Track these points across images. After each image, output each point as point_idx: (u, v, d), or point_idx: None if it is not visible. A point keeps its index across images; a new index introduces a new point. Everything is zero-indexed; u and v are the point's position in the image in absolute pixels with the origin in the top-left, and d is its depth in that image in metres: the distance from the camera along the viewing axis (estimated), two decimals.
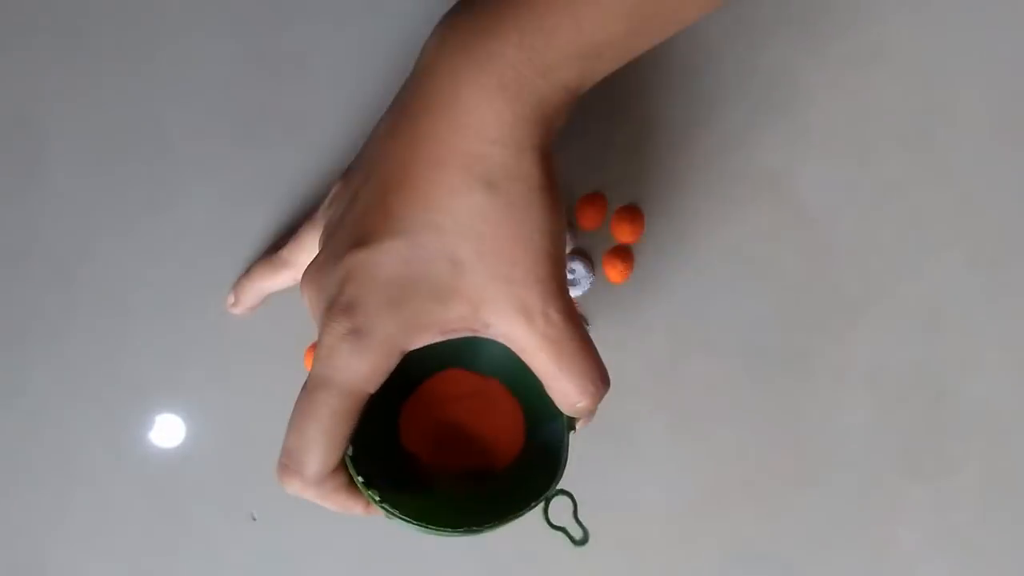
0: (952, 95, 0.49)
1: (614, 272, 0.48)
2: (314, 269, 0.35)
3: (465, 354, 0.38)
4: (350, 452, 0.35)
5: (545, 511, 0.36)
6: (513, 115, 0.32)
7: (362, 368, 0.33)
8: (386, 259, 0.32)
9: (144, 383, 0.48)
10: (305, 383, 0.34)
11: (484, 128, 0.32)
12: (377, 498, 0.35)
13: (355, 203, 0.34)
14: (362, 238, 0.33)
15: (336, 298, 0.33)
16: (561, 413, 0.36)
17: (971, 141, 0.49)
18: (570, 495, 0.36)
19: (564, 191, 0.46)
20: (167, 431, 0.48)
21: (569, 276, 0.48)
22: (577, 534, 0.36)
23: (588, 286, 0.49)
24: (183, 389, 0.48)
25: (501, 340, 0.34)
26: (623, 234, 0.48)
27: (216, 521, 0.48)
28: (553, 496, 0.36)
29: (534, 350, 0.33)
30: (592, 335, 0.46)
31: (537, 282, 0.33)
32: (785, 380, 0.48)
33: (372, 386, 0.34)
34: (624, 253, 0.48)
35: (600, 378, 0.35)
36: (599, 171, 0.49)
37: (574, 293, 0.49)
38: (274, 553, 0.48)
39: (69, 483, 0.48)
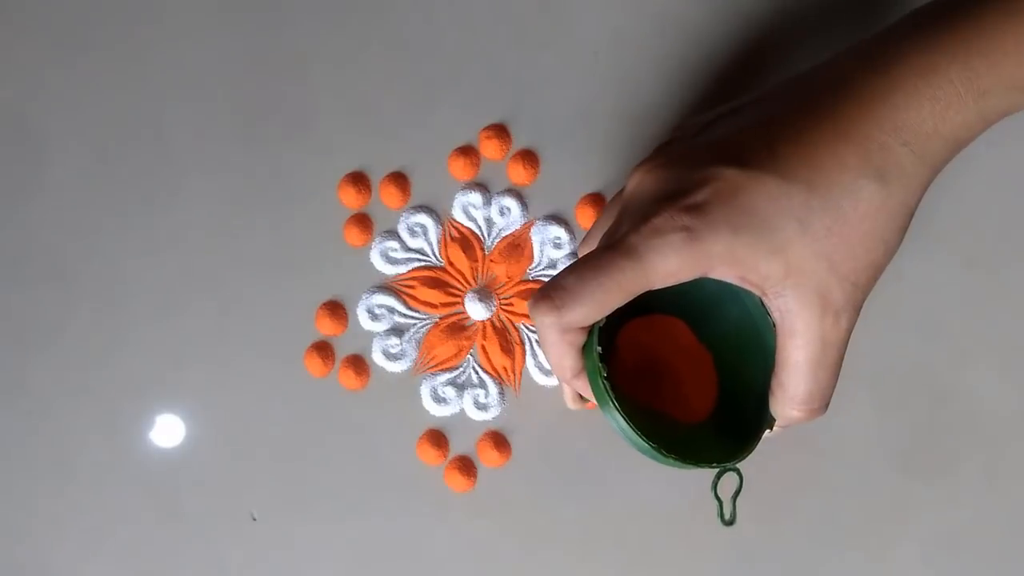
0: None
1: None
2: (665, 159, 0.35)
3: (700, 315, 0.39)
4: (602, 323, 0.36)
5: (715, 481, 0.39)
6: (934, 128, 0.33)
7: (671, 266, 0.34)
8: (754, 188, 0.33)
9: (144, 383, 0.48)
10: (614, 243, 0.34)
11: (902, 128, 0.33)
12: (604, 374, 0.36)
13: (736, 130, 0.35)
14: (740, 159, 0.34)
15: (688, 193, 0.34)
16: (766, 406, 0.38)
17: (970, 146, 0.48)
18: (741, 476, 0.39)
19: (564, 191, 0.48)
20: (167, 431, 0.48)
21: None
22: (728, 514, 0.39)
23: None
24: (183, 389, 0.48)
25: (776, 314, 0.35)
26: None
27: (216, 521, 0.48)
28: (731, 469, 0.38)
29: (804, 342, 0.35)
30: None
31: (854, 285, 0.34)
32: None
33: (660, 284, 0.34)
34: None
35: (827, 402, 0.37)
36: (599, 171, 0.49)
37: None
38: (274, 553, 0.48)
39: (69, 483, 0.48)
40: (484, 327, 0.48)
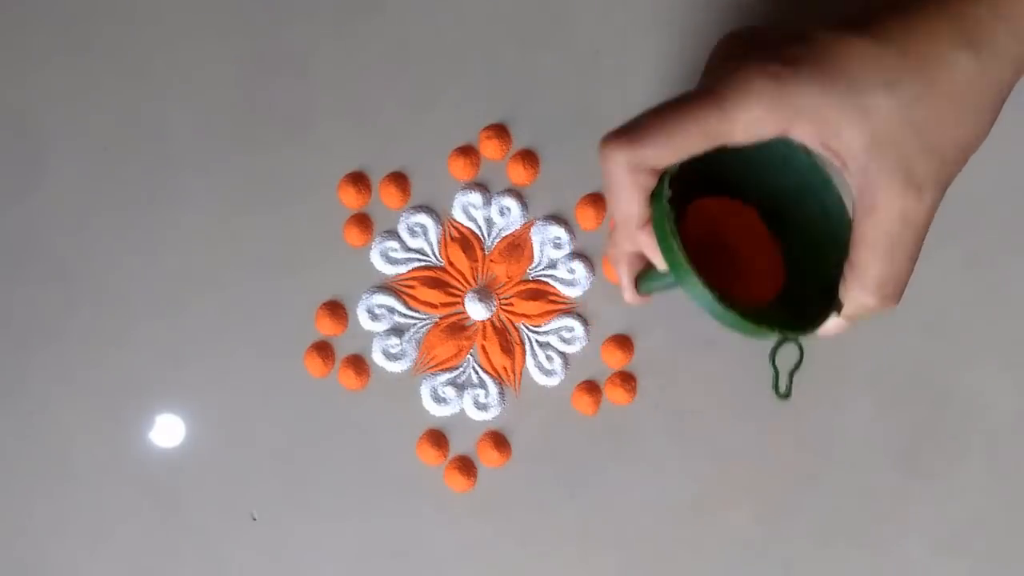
0: None
1: (614, 272, 0.47)
2: (754, 29, 0.34)
3: (777, 208, 0.38)
4: (675, 171, 0.34)
5: (775, 348, 0.37)
6: (982, 69, 0.33)
7: (755, 113, 0.32)
8: (846, 48, 0.32)
9: (144, 383, 0.48)
10: (696, 90, 0.33)
11: (998, 2, 0.32)
12: (673, 217, 0.34)
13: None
14: (834, 25, 0.33)
15: (780, 48, 0.33)
16: (835, 295, 0.35)
17: None
18: (802, 350, 0.37)
19: (564, 191, 0.48)
20: (167, 431, 0.48)
21: (569, 276, 0.48)
22: (784, 387, 0.36)
23: (588, 286, 0.48)
24: (183, 389, 0.48)
25: (855, 189, 0.33)
26: None
27: (216, 521, 0.48)
28: (791, 340, 0.36)
29: (883, 217, 0.33)
30: (592, 335, 0.48)
31: (940, 160, 0.33)
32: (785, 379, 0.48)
33: (742, 135, 0.33)
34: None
35: (901, 290, 0.34)
36: (599, 171, 0.48)
37: (573, 293, 0.48)
38: (274, 553, 0.48)
39: (69, 483, 0.48)
40: (484, 327, 0.48)
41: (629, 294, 0.40)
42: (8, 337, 0.48)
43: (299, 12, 0.48)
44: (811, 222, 0.38)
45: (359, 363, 0.48)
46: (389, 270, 0.48)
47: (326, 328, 0.48)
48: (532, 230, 0.48)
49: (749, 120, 0.33)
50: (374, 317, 0.48)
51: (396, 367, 0.48)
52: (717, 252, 0.38)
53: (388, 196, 0.48)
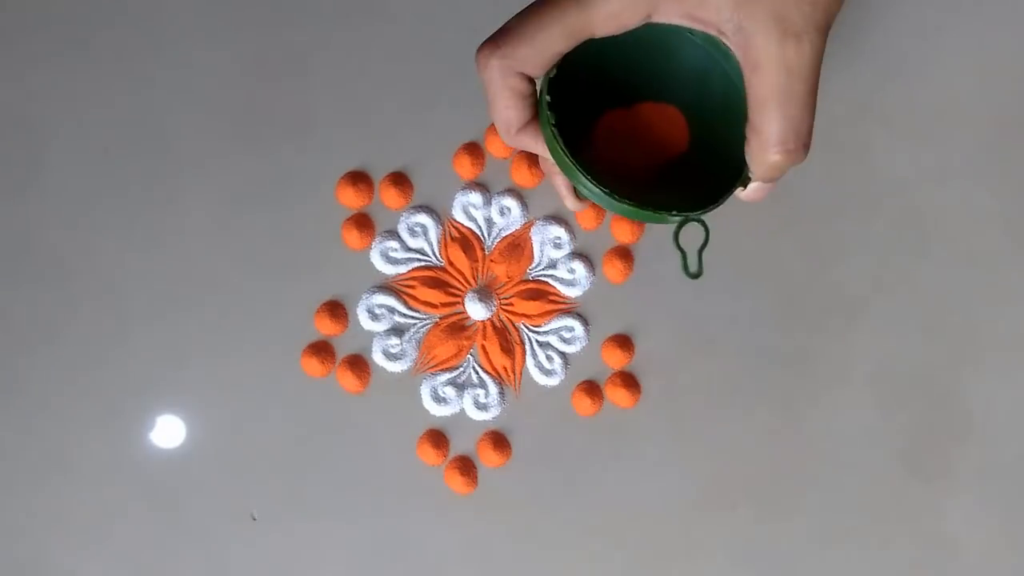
0: (952, 94, 0.49)
1: (614, 272, 0.48)
2: None
3: (687, 96, 0.37)
4: (552, 73, 0.34)
5: (677, 230, 0.36)
6: None
7: (613, 6, 0.33)
8: None
9: (144, 384, 0.48)
10: None
11: None
12: (553, 121, 0.34)
13: None
14: None
15: None
16: (743, 162, 0.35)
17: (971, 139, 0.49)
18: (707, 229, 0.36)
19: None
20: (167, 431, 0.48)
21: (569, 276, 0.48)
22: (693, 266, 0.36)
23: (588, 286, 0.48)
24: (184, 390, 0.48)
25: (737, 51, 0.33)
26: (623, 234, 0.48)
27: (216, 521, 0.48)
28: (693, 219, 0.35)
29: (767, 72, 0.33)
30: (592, 335, 0.48)
31: (811, 5, 0.32)
32: (785, 380, 0.48)
33: (604, 28, 0.33)
34: (624, 253, 0.48)
35: (806, 142, 0.34)
36: None
37: (573, 293, 0.48)
38: (274, 553, 0.48)
39: (69, 483, 0.48)
40: (484, 327, 0.48)
41: (569, 201, 0.41)
42: (8, 337, 0.48)
43: (300, 12, 0.48)
44: (722, 98, 0.36)
45: (359, 363, 0.48)
46: (389, 270, 0.48)
47: (326, 328, 0.48)
48: (532, 230, 0.48)
49: (609, 13, 0.33)
50: (374, 317, 0.48)
51: (396, 367, 0.48)
52: (628, 143, 0.38)
53: (388, 196, 0.48)
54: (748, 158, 0.35)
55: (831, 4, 0.33)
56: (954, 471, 0.48)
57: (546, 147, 0.35)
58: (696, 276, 0.37)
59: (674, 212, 0.35)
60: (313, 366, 0.48)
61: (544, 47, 0.33)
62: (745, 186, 0.36)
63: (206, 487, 0.48)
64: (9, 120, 0.48)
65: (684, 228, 0.36)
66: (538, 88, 0.35)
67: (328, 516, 0.48)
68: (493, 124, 0.36)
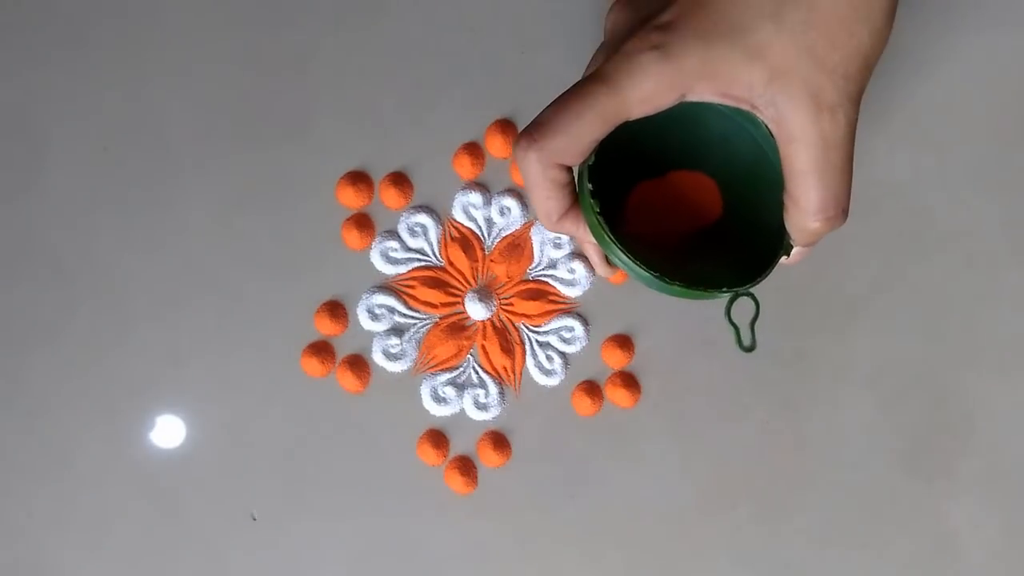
0: (953, 95, 0.49)
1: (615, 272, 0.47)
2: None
3: (714, 160, 0.37)
4: (591, 160, 0.35)
5: (728, 306, 0.36)
6: None
7: (646, 89, 0.33)
8: None
9: (144, 383, 0.48)
10: (589, 75, 0.33)
11: None
12: (597, 209, 0.35)
13: None
14: None
15: (656, 15, 0.33)
16: (784, 231, 0.36)
17: (970, 140, 0.48)
18: (757, 302, 0.37)
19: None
20: (167, 431, 0.48)
21: (569, 276, 0.48)
22: (747, 340, 0.37)
23: (588, 286, 0.48)
24: (183, 389, 0.48)
25: (771, 125, 0.33)
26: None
27: (216, 521, 0.47)
28: (743, 294, 0.35)
29: (804, 145, 0.33)
30: (592, 335, 0.48)
31: (844, 77, 0.33)
32: (785, 380, 0.48)
33: (639, 110, 0.33)
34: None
35: (844, 208, 0.34)
36: None
37: (573, 293, 0.48)
38: (274, 553, 0.48)
39: (69, 483, 0.48)
40: (484, 327, 0.48)
41: (601, 268, 0.41)
42: (8, 337, 0.48)
43: (299, 10, 0.48)
44: (748, 161, 0.37)
45: (359, 363, 0.48)
46: (389, 270, 0.48)
47: (326, 328, 0.48)
48: (532, 230, 0.48)
49: (643, 96, 0.33)
50: (374, 317, 0.48)
51: (396, 367, 0.48)
52: (662, 213, 0.38)
53: (388, 196, 0.48)
54: (788, 226, 0.35)
55: (863, 74, 0.33)
56: (955, 472, 0.48)
57: (588, 231, 0.36)
58: (750, 350, 0.37)
59: (724, 288, 0.35)
60: (313, 366, 0.48)
61: (580, 136, 0.34)
62: (788, 254, 0.36)
63: (206, 487, 0.48)
64: (7, 119, 0.48)
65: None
66: (575, 174, 0.35)
67: (328, 516, 0.47)
68: (536, 214, 0.38)
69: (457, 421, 0.48)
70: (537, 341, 0.48)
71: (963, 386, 0.48)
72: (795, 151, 0.33)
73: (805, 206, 0.34)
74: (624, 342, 0.48)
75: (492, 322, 0.48)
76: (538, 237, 0.48)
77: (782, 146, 0.34)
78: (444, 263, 0.48)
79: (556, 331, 0.48)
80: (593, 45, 0.46)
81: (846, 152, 0.33)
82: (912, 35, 0.48)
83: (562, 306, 0.48)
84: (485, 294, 0.48)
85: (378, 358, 0.48)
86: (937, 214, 0.48)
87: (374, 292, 0.48)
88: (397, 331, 0.48)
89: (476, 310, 0.48)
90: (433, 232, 0.48)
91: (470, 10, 0.48)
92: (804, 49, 0.32)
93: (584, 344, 0.48)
